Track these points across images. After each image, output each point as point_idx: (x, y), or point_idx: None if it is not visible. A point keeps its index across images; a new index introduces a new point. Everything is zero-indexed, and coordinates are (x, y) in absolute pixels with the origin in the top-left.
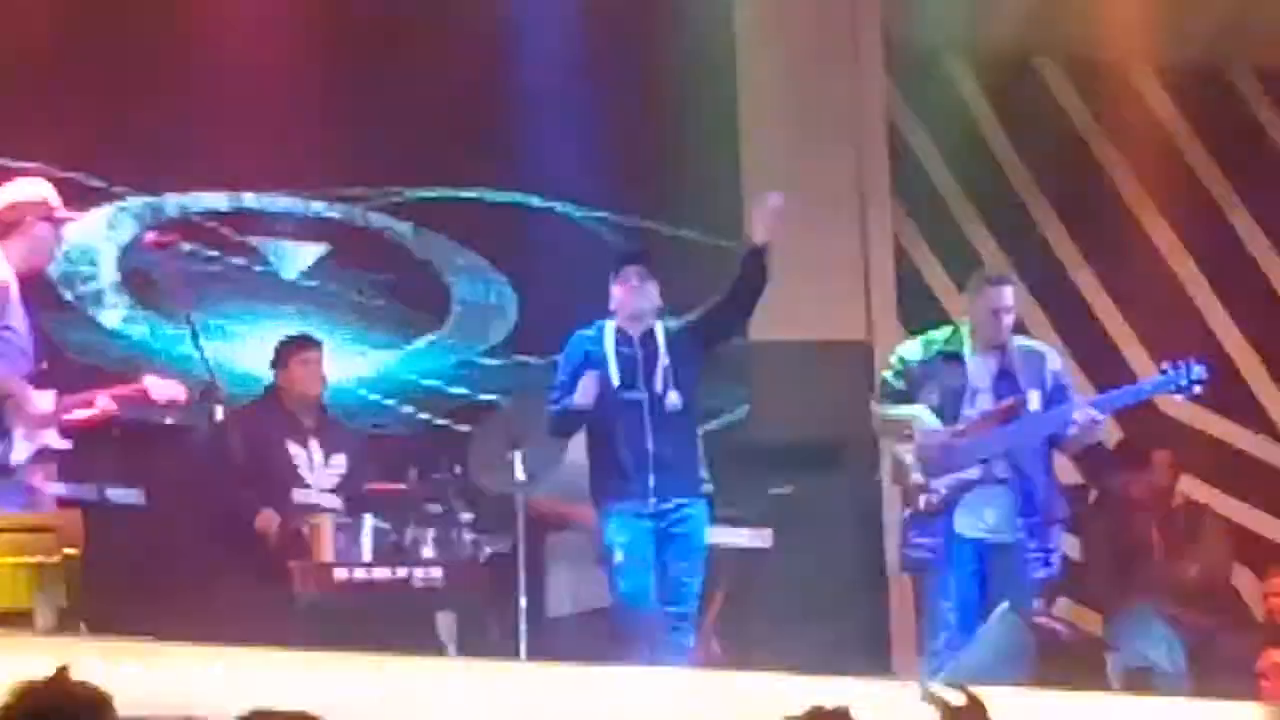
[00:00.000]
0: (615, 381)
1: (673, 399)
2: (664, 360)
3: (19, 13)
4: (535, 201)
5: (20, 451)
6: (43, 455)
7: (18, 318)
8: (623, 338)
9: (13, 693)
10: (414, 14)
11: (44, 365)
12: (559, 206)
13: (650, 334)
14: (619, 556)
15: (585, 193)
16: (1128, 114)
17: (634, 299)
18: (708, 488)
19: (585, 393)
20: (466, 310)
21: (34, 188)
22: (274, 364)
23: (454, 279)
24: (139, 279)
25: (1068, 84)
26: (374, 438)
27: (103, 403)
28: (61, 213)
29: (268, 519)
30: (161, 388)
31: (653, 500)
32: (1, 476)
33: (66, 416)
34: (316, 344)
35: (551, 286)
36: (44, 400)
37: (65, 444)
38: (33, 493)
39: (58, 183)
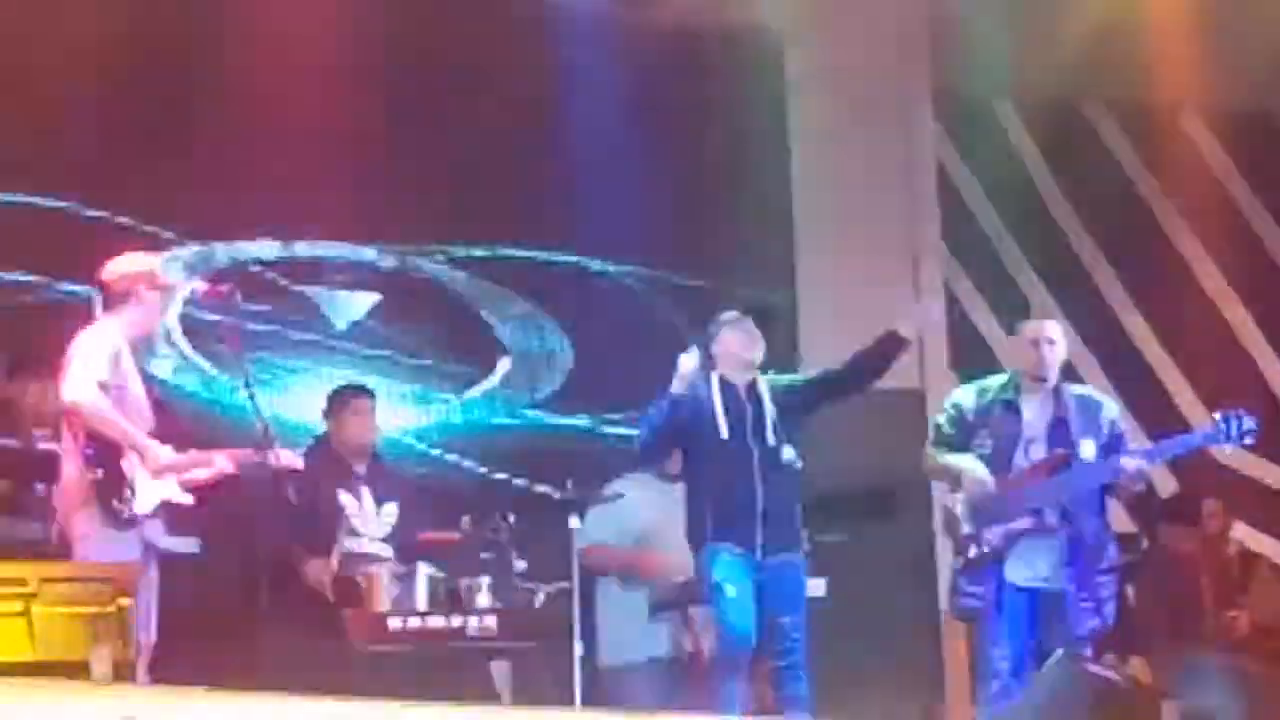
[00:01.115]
0: (724, 434)
1: (788, 454)
2: (771, 413)
3: (77, 64)
4: (589, 262)
5: (144, 504)
6: (164, 508)
7: (132, 379)
8: (727, 388)
9: None
10: (474, 71)
11: (165, 426)
12: (612, 266)
13: (753, 386)
14: (731, 592)
15: (637, 251)
16: (1177, 158)
17: (748, 349)
18: (805, 545)
19: (680, 383)
20: (519, 360)
21: (142, 260)
22: (326, 413)
23: (506, 328)
24: (192, 328)
25: (1116, 128)
26: (426, 487)
27: (221, 463)
28: (165, 282)
29: (319, 568)
30: (286, 457)
31: (760, 555)
32: (124, 528)
33: (188, 475)
34: (369, 394)
35: (602, 339)
36: (164, 453)
37: (187, 499)
38: (147, 546)
39: (114, 230)
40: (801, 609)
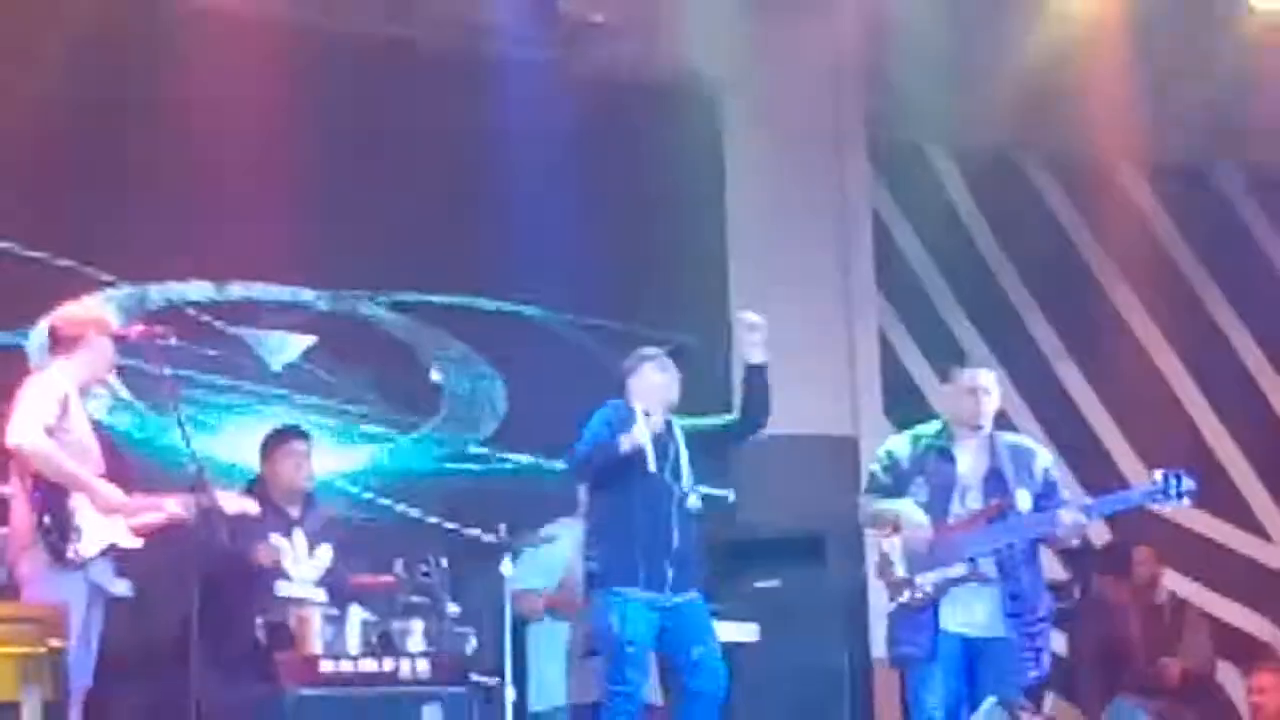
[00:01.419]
0: (652, 467)
1: (693, 501)
2: (684, 455)
3: (15, 108)
4: (525, 310)
5: (90, 545)
6: (109, 552)
7: (80, 423)
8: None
9: None
10: (408, 118)
11: (115, 471)
12: (548, 314)
13: (670, 427)
14: (630, 649)
15: (571, 297)
16: (1112, 210)
17: (668, 387)
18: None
19: (630, 442)
20: (456, 403)
21: (93, 306)
22: (262, 455)
23: (444, 371)
24: (125, 369)
25: (1051, 179)
26: (360, 530)
27: (172, 508)
28: (117, 330)
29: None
30: (235, 503)
31: (668, 592)
32: (69, 570)
33: (135, 521)
34: (305, 436)
35: (537, 383)
36: (115, 495)
37: (136, 543)
38: (93, 588)
39: (49, 271)
40: (714, 637)
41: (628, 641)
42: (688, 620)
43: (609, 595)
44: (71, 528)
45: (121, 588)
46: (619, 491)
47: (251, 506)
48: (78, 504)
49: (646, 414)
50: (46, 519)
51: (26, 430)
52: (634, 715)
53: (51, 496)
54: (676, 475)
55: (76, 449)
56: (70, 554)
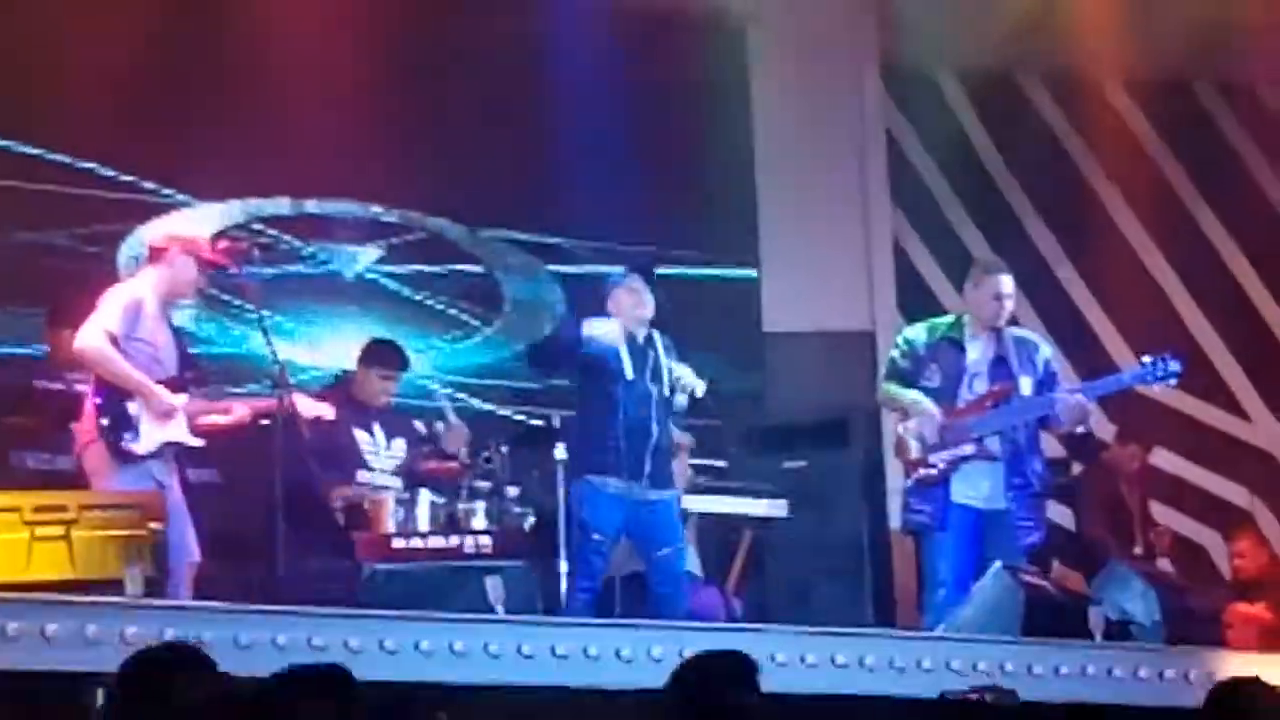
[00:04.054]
0: (630, 375)
1: (680, 400)
2: (665, 362)
3: (100, 33)
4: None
5: (146, 443)
6: (169, 449)
7: (150, 330)
8: (631, 337)
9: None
10: (462, 50)
11: (186, 374)
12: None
13: (650, 339)
14: (595, 537)
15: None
16: (1101, 123)
17: (640, 306)
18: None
19: (604, 335)
20: (518, 307)
21: (185, 227)
22: (358, 361)
23: (506, 278)
24: (211, 281)
25: (1047, 96)
26: (430, 422)
27: (239, 411)
28: (206, 253)
29: (334, 495)
30: (312, 408)
31: (645, 483)
32: (128, 463)
33: (204, 419)
34: (400, 360)
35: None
36: (170, 398)
37: (198, 442)
38: (156, 481)
39: (134, 190)
40: (679, 539)
41: (594, 530)
42: (659, 519)
43: (583, 484)
44: (129, 426)
45: (209, 476)
46: (600, 395)
47: (326, 412)
48: (137, 405)
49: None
50: (105, 419)
51: (88, 335)
52: (591, 600)
53: (111, 397)
54: (657, 379)
55: (147, 355)
56: (127, 449)
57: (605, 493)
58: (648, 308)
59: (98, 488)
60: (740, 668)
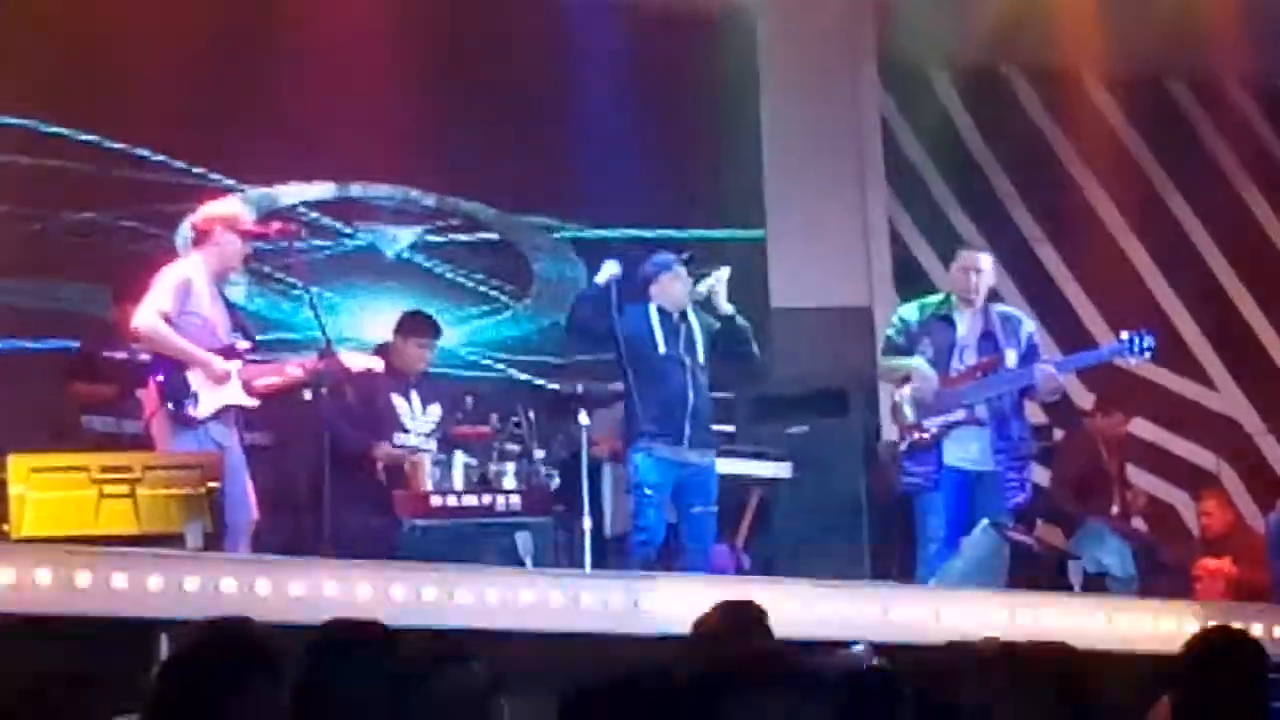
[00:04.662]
0: (662, 349)
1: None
2: (698, 334)
3: (152, 24)
4: (588, 233)
5: (206, 407)
6: (226, 411)
7: (202, 305)
8: (664, 315)
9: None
10: (491, 45)
11: (240, 344)
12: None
13: (684, 315)
14: (649, 492)
15: (625, 207)
16: (1081, 115)
17: (681, 293)
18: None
19: (605, 275)
20: (546, 286)
21: (225, 205)
22: (395, 331)
23: (535, 258)
24: (261, 259)
25: (1030, 89)
26: (464, 388)
27: (292, 371)
28: (251, 225)
29: (374, 455)
30: (356, 359)
31: (685, 445)
32: (189, 428)
33: (259, 382)
34: (435, 331)
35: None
36: (223, 364)
37: (253, 403)
38: (215, 443)
39: (190, 176)
40: (712, 500)
41: (646, 486)
42: (698, 479)
43: (633, 450)
44: (188, 395)
45: (261, 439)
46: (639, 372)
47: (376, 364)
48: (193, 374)
49: (660, 309)
50: (166, 389)
51: (143, 315)
52: (651, 552)
53: (170, 370)
54: (692, 352)
55: (201, 328)
56: (187, 415)
57: (654, 455)
58: (687, 294)
59: (162, 450)
60: (753, 615)
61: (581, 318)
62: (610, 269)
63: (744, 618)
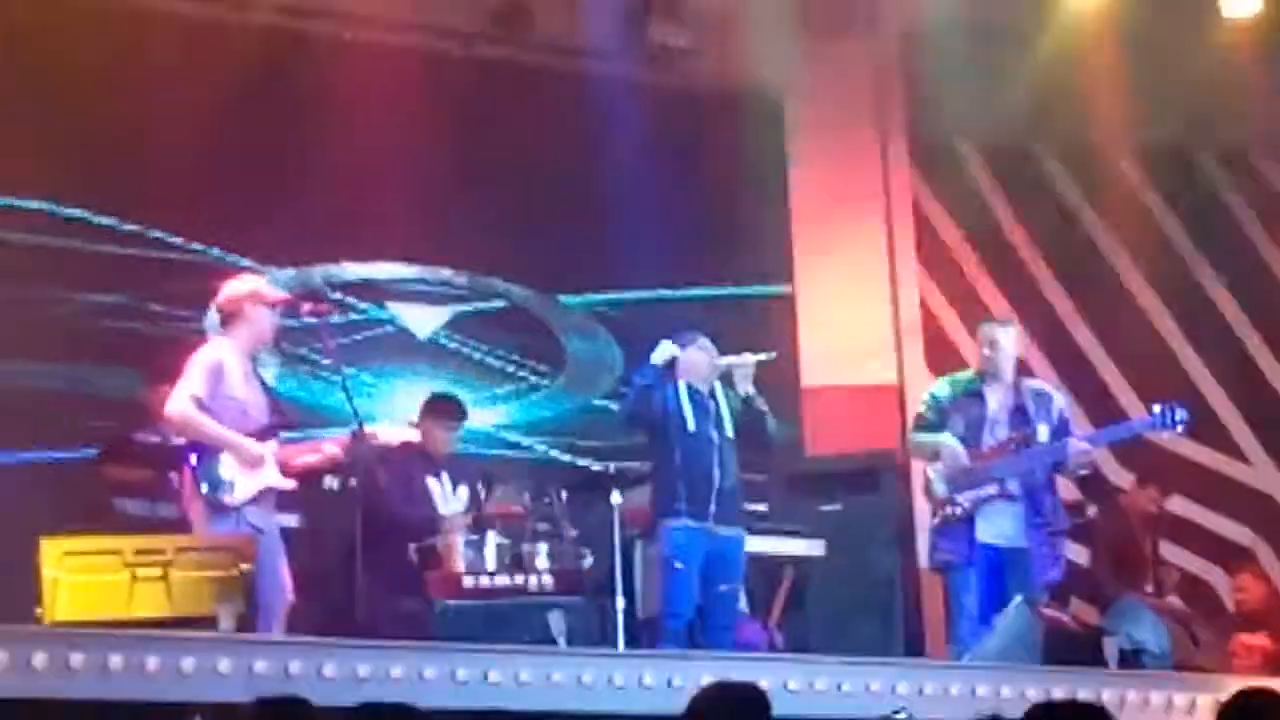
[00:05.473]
0: (691, 426)
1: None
2: (726, 410)
3: (182, 110)
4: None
5: (242, 492)
6: (263, 494)
7: (237, 388)
8: (693, 391)
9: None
10: (520, 127)
11: (274, 423)
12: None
13: (712, 391)
14: (679, 565)
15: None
16: (1112, 191)
17: (708, 369)
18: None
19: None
20: (578, 365)
21: (248, 280)
22: (421, 414)
23: (567, 336)
24: (292, 340)
25: (1061, 166)
26: (495, 469)
27: (329, 449)
28: (270, 298)
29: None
30: (391, 432)
31: (712, 522)
32: (224, 513)
33: (296, 461)
34: (461, 414)
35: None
36: (258, 448)
37: (289, 484)
38: (251, 525)
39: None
40: (739, 578)
41: (677, 559)
42: (725, 557)
43: (662, 526)
44: (222, 481)
45: (290, 520)
46: (667, 447)
47: (411, 434)
48: (227, 459)
49: (690, 386)
50: (200, 476)
51: (175, 402)
52: (682, 627)
53: (203, 455)
54: (720, 428)
55: (234, 410)
56: (224, 502)
57: (684, 529)
58: (714, 371)
59: (197, 533)
60: (753, 697)
61: (640, 405)
62: (667, 350)
63: (744, 699)
